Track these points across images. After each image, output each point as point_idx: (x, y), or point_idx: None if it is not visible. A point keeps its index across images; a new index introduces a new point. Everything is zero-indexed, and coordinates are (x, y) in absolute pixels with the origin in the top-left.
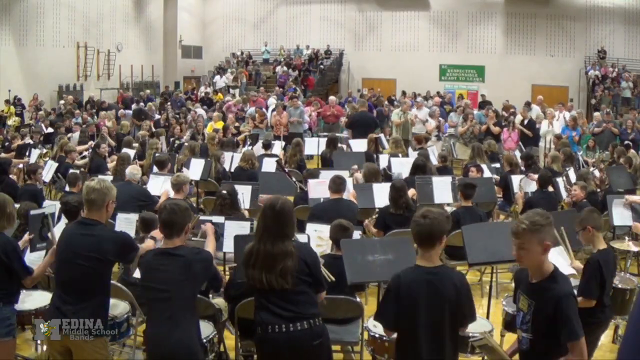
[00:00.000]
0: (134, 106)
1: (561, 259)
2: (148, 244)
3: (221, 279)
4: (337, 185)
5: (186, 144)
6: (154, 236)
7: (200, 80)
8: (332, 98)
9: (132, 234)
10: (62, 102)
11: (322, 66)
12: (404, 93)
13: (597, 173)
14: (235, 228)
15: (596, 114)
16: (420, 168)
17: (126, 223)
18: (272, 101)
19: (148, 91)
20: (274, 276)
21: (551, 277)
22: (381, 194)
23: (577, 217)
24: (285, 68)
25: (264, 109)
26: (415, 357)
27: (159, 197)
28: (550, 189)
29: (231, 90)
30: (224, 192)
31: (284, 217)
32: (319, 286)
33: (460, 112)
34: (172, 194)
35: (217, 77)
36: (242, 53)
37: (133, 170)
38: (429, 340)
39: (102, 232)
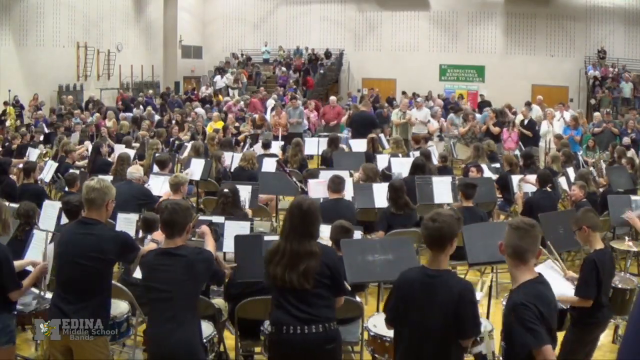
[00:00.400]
0: (135, 110)
1: (553, 272)
2: (150, 247)
3: (223, 273)
4: (337, 185)
5: (187, 144)
6: (156, 239)
7: (201, 80)
8: (332, 98)
9: (132, 233)
10: (61, 106)
11: (321, 70)
12: (404, 93)
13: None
14: (235, 228)
15: (596, 114)
16: (420, 167)
17: (126, 223)
18: (271, 102)
19: (150, 91)
20: (296, 275)
21: (517, 287)
22: (381, 194)
23: (573, 216)
24: (284, 69)
25: (263, 114)
26: (405, 356)
27: (159, 197)
28: (549, 188)
29: (231, 92)
30: (226, 190)
31: (311, 217)
32: (339, 291)
33: (460, 114)
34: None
35: (217, 77)
36: (242, 54)
37: (133, 170)
38: (419, 341)
39: (102, 232)
